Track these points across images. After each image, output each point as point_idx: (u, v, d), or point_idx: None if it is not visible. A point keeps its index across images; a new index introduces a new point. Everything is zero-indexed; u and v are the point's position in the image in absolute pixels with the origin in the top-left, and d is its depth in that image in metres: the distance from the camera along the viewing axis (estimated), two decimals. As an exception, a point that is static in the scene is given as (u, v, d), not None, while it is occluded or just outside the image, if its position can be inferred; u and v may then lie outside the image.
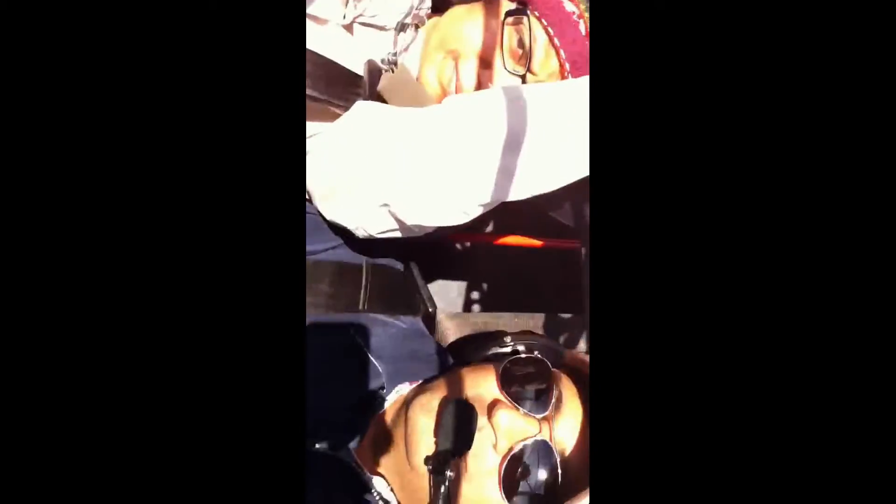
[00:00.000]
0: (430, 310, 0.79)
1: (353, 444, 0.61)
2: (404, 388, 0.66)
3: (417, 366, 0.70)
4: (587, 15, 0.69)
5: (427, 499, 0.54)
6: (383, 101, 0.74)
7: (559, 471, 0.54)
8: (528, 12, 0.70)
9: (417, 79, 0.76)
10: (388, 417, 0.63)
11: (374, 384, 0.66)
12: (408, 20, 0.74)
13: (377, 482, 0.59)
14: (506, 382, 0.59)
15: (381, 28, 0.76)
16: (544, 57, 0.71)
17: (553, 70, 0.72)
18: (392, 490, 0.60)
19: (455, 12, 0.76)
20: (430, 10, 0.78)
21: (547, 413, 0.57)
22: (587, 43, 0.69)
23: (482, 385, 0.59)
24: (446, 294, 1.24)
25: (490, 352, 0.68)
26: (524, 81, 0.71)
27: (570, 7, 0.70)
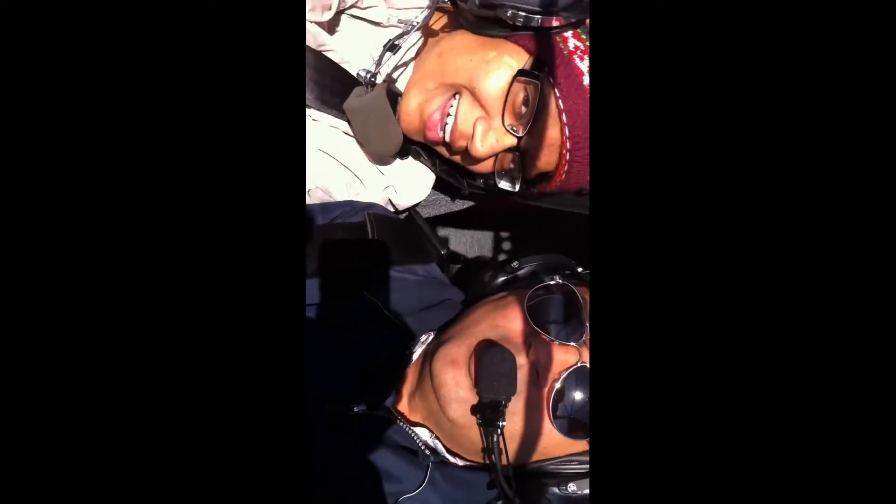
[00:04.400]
0: (442, 252, 0.79)
1: (389, 401, 0.63)
2: (428, 338, 0.66)
3: (438, 313, 0.71)
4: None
5: (470, 443, 0.56)
6: (346, 120, 0.71)
7: None
8: (542, 76, 0.63)
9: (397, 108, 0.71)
10: (416, 370, 0.64)
11: (397, 340, 0.67)
12: (399, 41, 0.68)
13: (420, 432, 0.61)
14: (534, 316, 0.58)
15: (376, 24, 0.71)
16: (549, 124, 0.65)
17: (553, 141, 0.66)
18: (437, 437, 0.61)
19: (462, 41, 0.68)
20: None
21: (584, 337, 0.56)
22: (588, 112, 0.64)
23: (509, 322, 0.58)
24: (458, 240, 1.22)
25: (499, 280, 0.68)
26: (520, 142, 0.67)
27: (581, 66, 0.63)
